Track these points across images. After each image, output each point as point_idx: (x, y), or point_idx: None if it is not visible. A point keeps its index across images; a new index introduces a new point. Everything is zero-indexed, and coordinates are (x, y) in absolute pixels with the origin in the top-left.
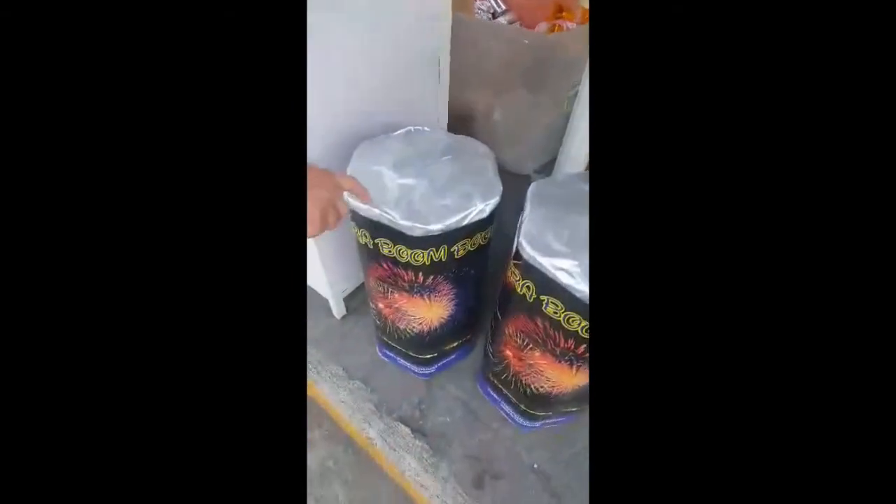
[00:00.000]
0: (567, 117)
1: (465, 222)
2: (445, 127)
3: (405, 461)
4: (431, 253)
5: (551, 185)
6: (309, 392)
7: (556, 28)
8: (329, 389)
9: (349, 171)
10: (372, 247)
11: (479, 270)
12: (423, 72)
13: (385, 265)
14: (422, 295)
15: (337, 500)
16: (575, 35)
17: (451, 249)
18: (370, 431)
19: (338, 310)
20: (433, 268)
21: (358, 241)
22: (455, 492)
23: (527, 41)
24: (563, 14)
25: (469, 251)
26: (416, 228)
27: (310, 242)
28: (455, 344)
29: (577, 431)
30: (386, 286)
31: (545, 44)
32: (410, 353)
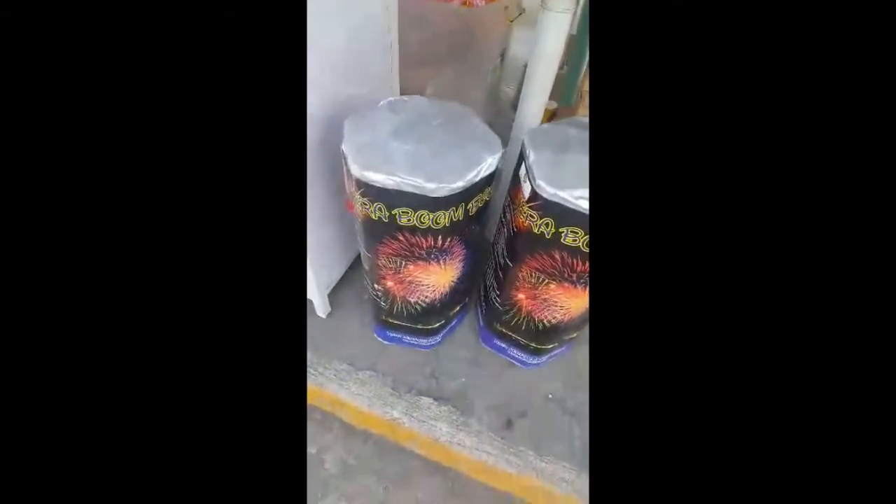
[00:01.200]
0: (492, 90)
1: (480, 177)
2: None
3: (437, 428)
4: (451, 213)
5: (541, 133)
6: (314, 398)
7: (468, 5)
8: (339, 387)
9: (346, 146)
10: (387, 220)
11: (481, 226)
12: (377, 45)
13: (402, 237)
14: (438, 260)
15: (369, 491)
16: (488, 11)
17: (468, 207)
18: (394, 412)
19: (323, 308)
20: (451, 228)
21: (369, 219)
22: (490, 439)
23: (452, 15)
24: None
25: (479, 207)
26: (441, 188)
27: None
28: (458, 308)
29: (576, 356)
30: (399, 260)
31: (468, 18)
32: (419, 326)
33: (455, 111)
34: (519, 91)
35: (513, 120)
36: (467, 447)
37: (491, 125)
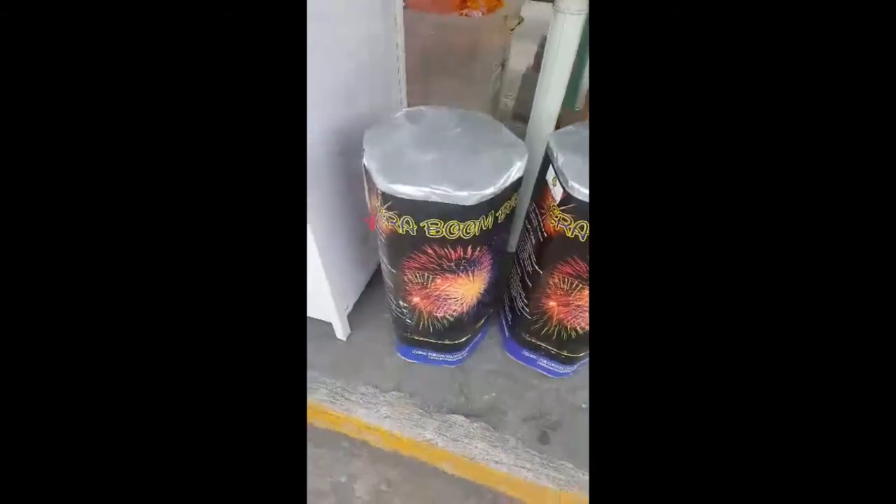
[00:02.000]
0: (493, 99)
1: (510, 181)
2: None
3: (472, 446)
4: (482, 221)
5: (565, 136)
6: (340, 424)
7: (466, 15)
8: (366, 411)
9: (368, 160)
10: (415, 233)
11: (507, 234)
12: (385, 59)
13: (430, 249)
14: (466, 271)
15: None
16: (488, 21)
17: (497, 214)
18: (426, 433)
19: (343, 330)
20: (480, 237)
21: (396, 234)
22: (528, 455)
23: (452, 27)
24: (469, 3)
25: (507, 214)
26: (472, 196)
27: (314, 265)
28: (482, 321)
29: None
30: (427, 274)
31: (470, 28)
32: (445, 342)
33: (474, 118)
34: (516, 101)
35: (515, 128)
36: (505, 464)
37: None
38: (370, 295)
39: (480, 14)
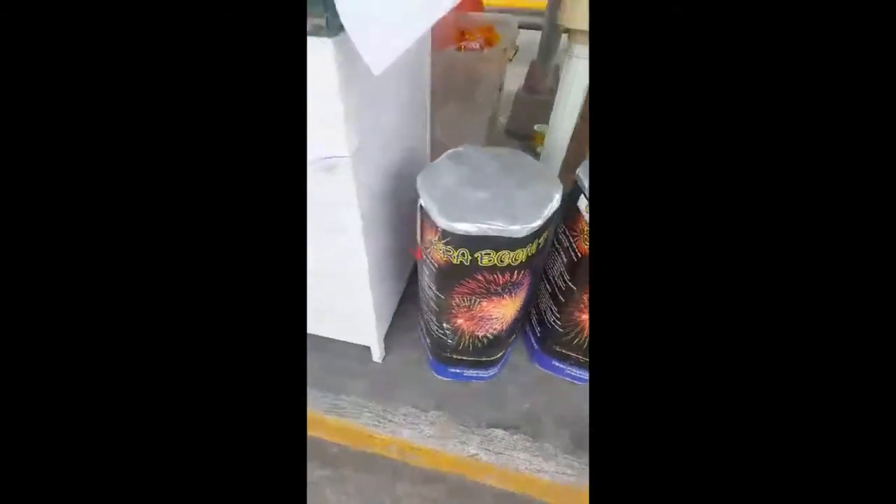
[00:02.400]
0: (490, 120)
1: (552, 212)
2: (429, 145)
3: (515, 458)
4: (528, 249)
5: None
6: (384, 447)
7: (463, 49)
8: (410, 432)
9: (426, 201)
10: (469, 263)
11: (545, 256)
12: (417, 98)
13: (481, 276)
14: (510, 293)
15: None
16: (488, 54)
17: (539, 241)
18: (470, 448)
19: (379, 353)
20: (526, 263)
21: (450, 264)
22: (567, 461)
23: (458, 60)
24: (466, 36)
25: (546, 239)
26: (523, 229)
27: (364, 292)
28: (513, 336)
29: None
30: (474, 298)
31: (472, 60)
32: (482, 359)
33: (507, 155)
34: (509, 118)
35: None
36: (548, 474)
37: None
38: (398, 318)
39: (478, 46)
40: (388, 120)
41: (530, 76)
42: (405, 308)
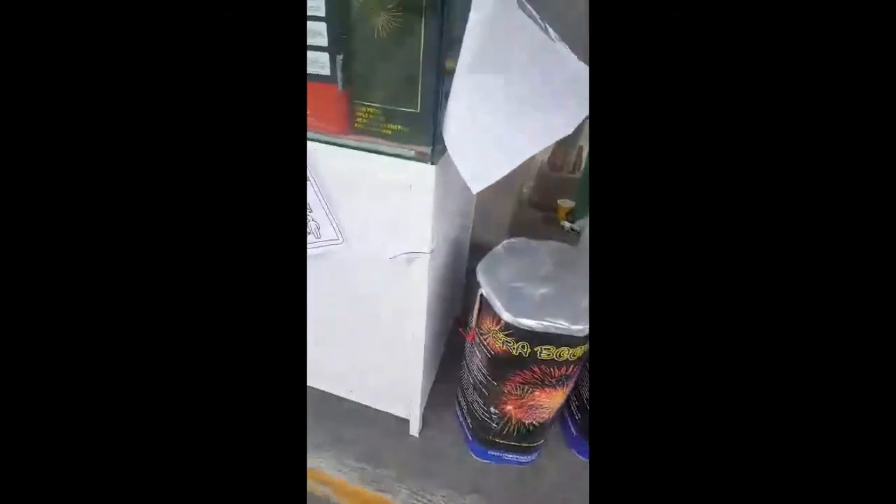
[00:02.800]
0: (518, 191)
1: None
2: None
3: None
4: (585, 346)
5: None
6: None
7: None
8: None
9: (487, 291)
10: (528, 355)
11: None
12: (468, 195)
13: (538, 368)
14: (563, 384)
15: None
16: None
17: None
18: None
19: (417, 427)
20: (583, 357)
21: (509, 354)
22: None
23: None
24: None
25: None
26: (584, 329)
27: (415, 363)
28: (555, 423)
29: None
30: (527, 387)
31: None
32: (523, 445)
33: (558, 248)
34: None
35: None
36: None
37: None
38: (433, 394)
39: None
40: (452, 219)
41: (554, 155)
42: (441, 386)
